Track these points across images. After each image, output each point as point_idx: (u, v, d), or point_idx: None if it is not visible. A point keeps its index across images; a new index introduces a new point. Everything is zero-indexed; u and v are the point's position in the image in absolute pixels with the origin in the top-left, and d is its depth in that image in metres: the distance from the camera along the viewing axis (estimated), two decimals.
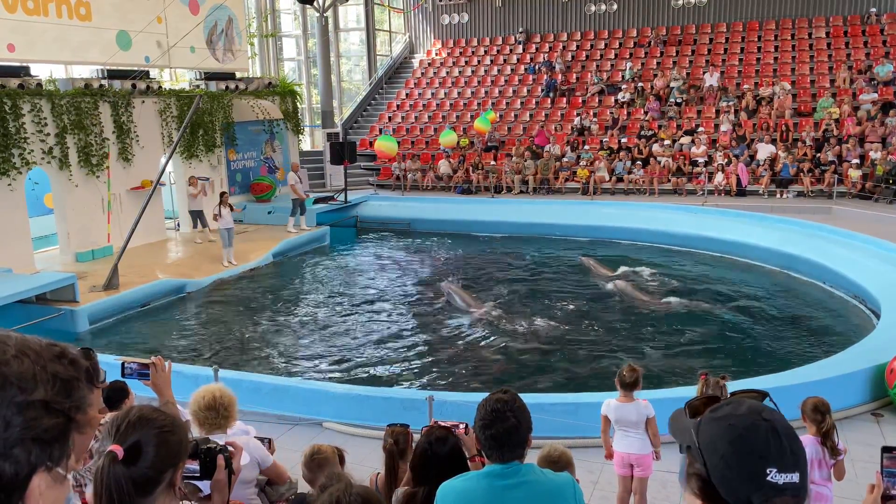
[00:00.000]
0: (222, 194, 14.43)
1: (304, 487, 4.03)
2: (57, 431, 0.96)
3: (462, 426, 3.23)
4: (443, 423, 3.20)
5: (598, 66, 24.40)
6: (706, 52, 23.73)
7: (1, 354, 0.93)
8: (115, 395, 4.36)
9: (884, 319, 9.60)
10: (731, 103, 20.71)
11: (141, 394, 4.02)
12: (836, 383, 7.18)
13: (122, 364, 2.82)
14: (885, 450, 1.80)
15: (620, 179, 19.15)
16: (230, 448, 2.18)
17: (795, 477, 1.20)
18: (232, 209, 14.20)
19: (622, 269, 13.78)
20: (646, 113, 21.41)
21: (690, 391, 4.99)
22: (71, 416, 0.98)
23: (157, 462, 1.58)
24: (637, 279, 13.15)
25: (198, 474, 2.03)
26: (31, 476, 0.94)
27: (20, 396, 0.93)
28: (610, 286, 12.63)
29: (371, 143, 22.98)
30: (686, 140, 19.84)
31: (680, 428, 1.39)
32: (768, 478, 1.19)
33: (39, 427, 0.94)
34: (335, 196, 19.38)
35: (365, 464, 5.60)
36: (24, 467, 0.93)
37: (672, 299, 11.85)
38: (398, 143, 21.67)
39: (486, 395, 2.62)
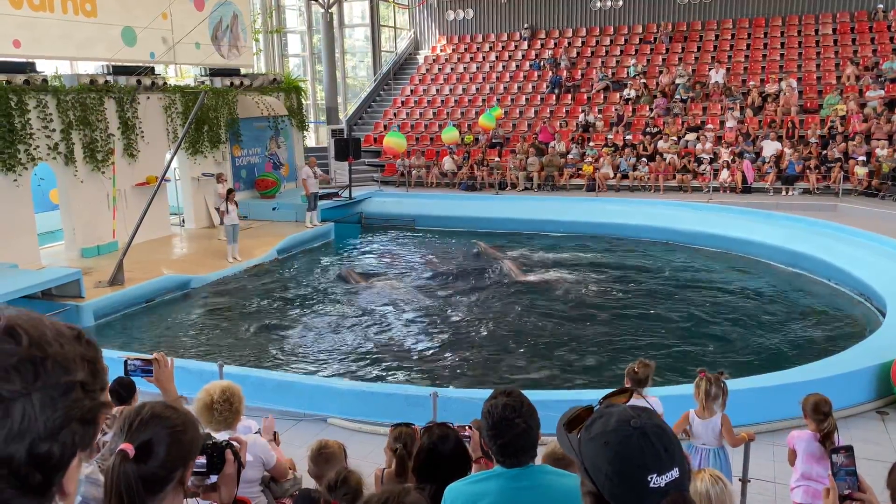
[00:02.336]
0: (229, 191, 14.44)
1: (307, 482, 4.04)
2: (96, 412, 0.96)
3: (468, 428, 3.21)
4: (451, 425, 3.18)
5: (603, 62, 24.34)
6: (712, 49, 23.65)
7: (42, 335, 0.92)
8: (123, 390, 4.38)
9: (889, 317, 9.56)
10: (736, 100, 20.64)
11: (146, 390, 4.02)
12: (841, 381, 7.16)
13: (125, 361, 2.81)
14: (833, 451, 1.83)
15: (625, 176, 19.11)
16: (235, 444, 2.18)
17: (675, 472, 1.28)
18: (236, 206, 14.24)
19: (511, 252, 15.35)
20: (651, 110, 21.36)
21: (691, 388, 4.98)
22: (100, 397, 0.98)
23: (168, 461, 1.58)
24: (523, 259, 14.76)
25: (204, 469, 2.04)
26: (73, 457, 0.94)
27: (65, 377, 0.92)
28: (500, 264, 14.25)
29: (376, 140, 22.99)
30: (691, 137, 19.79)
31: (565, 445, 1.45)
32: (651, 485, 1.26)
33: (83, 408, 0.94)
34: (339, 192, 19.39)
35: (369, 459, 5.61)
36: (69, 449, 0.92)
37: (552, 274, 13.52)
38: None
39: (489, 392, 2.55)
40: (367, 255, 16.21)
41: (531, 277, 13.44)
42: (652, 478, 1.26)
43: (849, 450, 1.83)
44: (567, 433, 1.42)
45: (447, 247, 16.53)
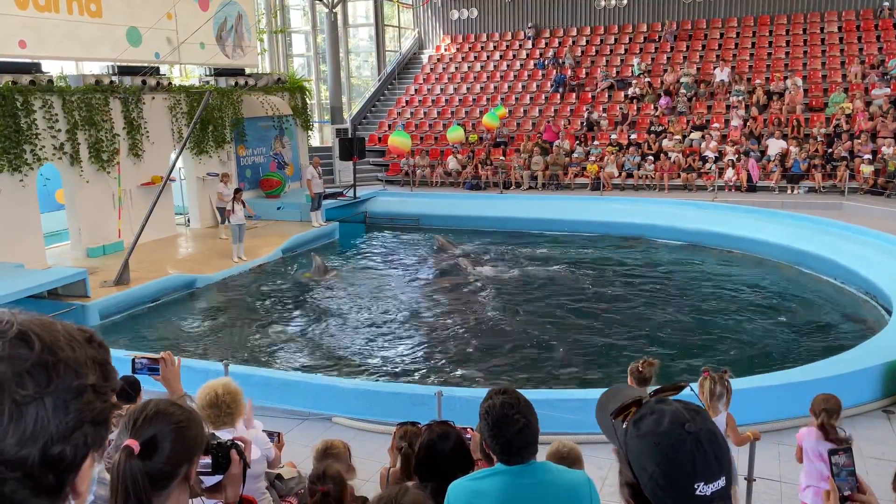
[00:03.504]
0: (236, 191, 14.48)
1: None
2: (106, 414, 0.98)
3: (470, 429, 3.22)
4: (452, 424, 3.19)
5: (607, 61, 24.31)
6: (717, 47, 23.59)
7: (54, 340, 0.94)
8: (129, 389, 4.41)
9: (895, 316, 9.53)
10: (741, 98, 20.59)
11: (151, 388, 4.04)
12: (847, 380, 7.14)
13: (133, 360, 2.84)
14: (832, 452, 1.82)
15: (630, 175, 19.09)
16: (240, 443, 2.19)
17: (721, 482, 1.25)
18: (244, 206, 14.27)
19: (467, 246, 15.96)
20: (656, 108, 21.33)
21: (695, 387, 4.97)
22: (110, 399, 1.00)
23: (173, 457, 1.59)
24: (478, 256, 15.15)
25: (209, 469, 2.05)
26: (85, 458, 0.96)
27: (76, 381, 0.94)
28: (457, 261, 14.80)
29: (380, 139, 23.01)
30: (696, 135, 19.75)
31: (606, 427, 1.42)
32: (697, 492, 1.24)
33: (94, 410, 0.96)
34: (344, 192, 19.41)
35: (374, 458, 5.62)
36: (81, 450, 0.95)
37: (514, 271, 13.87)
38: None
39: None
40: (356, 254, 16.30)
41: (480, 269, 14.08)
42: (699, 486, 1.23)
43: (847, 450, 1.83)
44: (612, 419, 1.37)
45: (424, 243, 16.76)
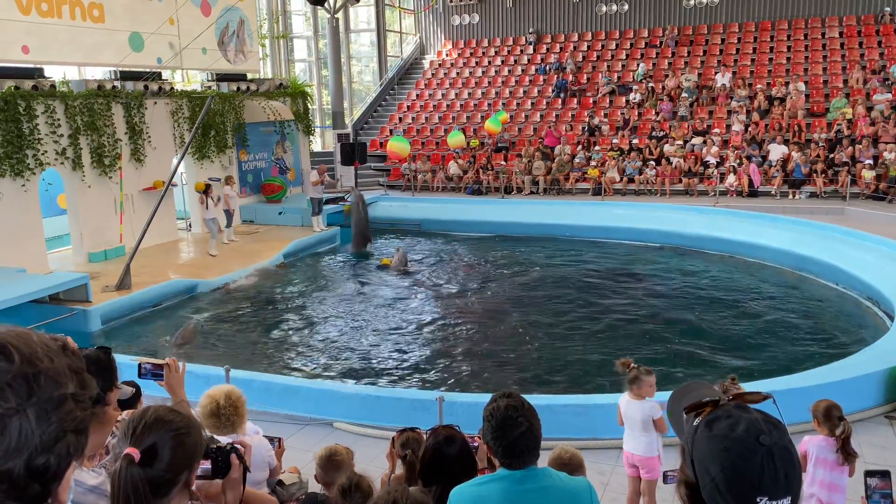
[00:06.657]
0: (207, 186, 14.84)
1: (313, 486, 4.05)
2: (87, 422, 0.99)
3: (478, 437, 3.22)
4: (457, 428, 3.18)
5: (609, 66, 24.34)
6: (718, 53, 23.63)
7: (33, 351, 0.95)
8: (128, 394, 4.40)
9: None
10: (742, 103, 20.61)
11: (155, 393, 4.04)
12: (849, 385, 7.12)
13: (139, 364, 2.86)
14: (868, 474, 1.80)
15: (631, 180, 19.10)
16: (240, 447, 2.19)
17: (787, 501, 1.21)
18: (217, 202, 14.81)
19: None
20: (657, 113, 21.34)
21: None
22: (89, 407, 1.01)
23: (173, 464, 1.59)
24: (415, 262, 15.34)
25: (209, 474, 2.04)
26: (68, 467, 0.97)
27: (57, 391, 0.95)
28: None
29: (381, 144, 23.04)
30: (698, 140, 19.76)
31: (677, 421, 1.37)
32: None
33: (75, 419, 0.97)
34: (345, 197, 19.41)
35: (375, 463, 5.61)
36: (65, 459, 0.96)
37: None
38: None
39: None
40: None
41: (408, 269, 14.50)
42: (762, 500, 1.19)
43: (885, 474, 1.80)
44: (684, 413, 1.33)
45: (425, 248, 16.74)
